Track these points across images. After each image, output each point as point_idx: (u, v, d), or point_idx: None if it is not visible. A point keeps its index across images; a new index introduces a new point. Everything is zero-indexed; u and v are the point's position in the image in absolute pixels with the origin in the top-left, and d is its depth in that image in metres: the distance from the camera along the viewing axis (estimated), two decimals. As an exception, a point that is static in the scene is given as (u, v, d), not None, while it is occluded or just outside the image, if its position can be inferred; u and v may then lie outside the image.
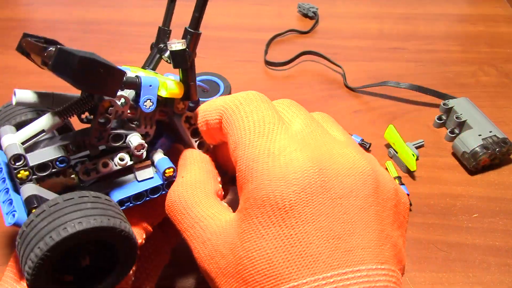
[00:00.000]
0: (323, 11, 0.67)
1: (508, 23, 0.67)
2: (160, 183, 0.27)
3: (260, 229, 0.21)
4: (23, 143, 0.24)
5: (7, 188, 0.24)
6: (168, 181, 0.27)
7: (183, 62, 0.25)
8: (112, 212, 0.22)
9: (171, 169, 0.27)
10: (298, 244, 0.20)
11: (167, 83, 0.26)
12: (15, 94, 0.24)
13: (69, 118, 0.25)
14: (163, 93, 0.26)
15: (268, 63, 0.59)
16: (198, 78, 0.53)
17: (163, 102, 0.27)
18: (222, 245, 0.22)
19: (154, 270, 0.32)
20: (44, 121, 0.24)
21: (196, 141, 0.29)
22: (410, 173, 0.44)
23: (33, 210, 0.22)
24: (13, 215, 0.22)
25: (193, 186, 0.25)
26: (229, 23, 0.67)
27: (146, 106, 0.26)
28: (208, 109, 0.27)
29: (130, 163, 0.27)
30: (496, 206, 0.42)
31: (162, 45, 0.29)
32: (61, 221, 0.20)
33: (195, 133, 0.29)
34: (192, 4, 0.24)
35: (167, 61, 0.29)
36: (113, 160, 0.26)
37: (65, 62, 0.20)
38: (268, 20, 0.67)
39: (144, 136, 0.27)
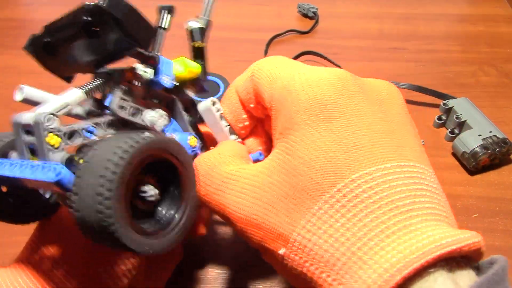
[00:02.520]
0: (323, 11, 0.67)
1: (508, 23, 0.67)
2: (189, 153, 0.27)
3: (311, 130, 0.20)
4: None
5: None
6: (195, 152, 0.27)
7: (202, 37, 0.28)
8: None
9: (194, 138, 0.27)
10: (352, 136, 0.20)
11: (185, 61, 0.28)
12: (22, 90, 0.24)
13: (93, 95, 0.25)
14: (181, 70, 0.27)
15: (268, 63, 0.59)
16: (198, 78, 0.53)
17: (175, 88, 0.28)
18: (268, 177, 0.21)
19: (165, 271, 0.32)
20: (68, 96, 0.24)
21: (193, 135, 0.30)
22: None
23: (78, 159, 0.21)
24: (55, 169, 0.20)
25: (220, 151, 0.25)
26: (229, 23, 0.67)
27: (164, 80, 0.26)
28: (237, 80, 0.28)
29: None
30: (496, 206, 0.42)
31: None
32: (121, 140, 0.20)
33: (194, 127, 0.29)
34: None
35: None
36: None
37: (116, 5, 0.22)
38: (268, 20, 0.67)
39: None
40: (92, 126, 0.24)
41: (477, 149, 0.43)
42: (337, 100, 0.21)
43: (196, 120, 0.29)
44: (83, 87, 0.25)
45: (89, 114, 0.26)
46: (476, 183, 0.44)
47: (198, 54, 0.29)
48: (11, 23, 0.67)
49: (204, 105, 0.28)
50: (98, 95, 0.26)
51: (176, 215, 0.23)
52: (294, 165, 0.20)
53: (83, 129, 0.23)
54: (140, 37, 0.23)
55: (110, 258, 0.27)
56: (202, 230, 0.33)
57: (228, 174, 0.23)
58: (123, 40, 0.22)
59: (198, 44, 0.29)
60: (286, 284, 0.36)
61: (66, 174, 0.20)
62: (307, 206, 0.19)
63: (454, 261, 0.18)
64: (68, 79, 0.26)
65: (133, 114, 0.26)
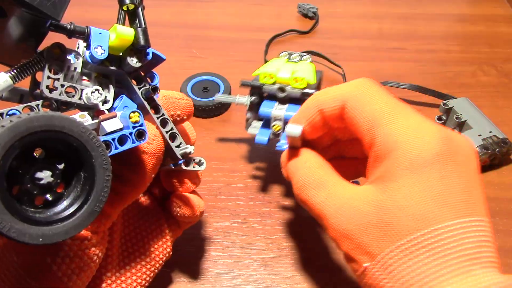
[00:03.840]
0: (323, 11, 0.67)
1: (508, 23, 0.67)
2: (127, 131, 0.25)
3: (409, 183, 0.25)
4: None
5: None
6: (137, 129, 0.25)
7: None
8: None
9: (136, 114, 0.25)
10: (440, 194, 0.25)
11: (116, 27, 0.25)
12: None
13: (20, 80, 0.24)
14: (113, 37, 0.25)
15: (268, 63, 0.59)
16: (198, 78, 0.53)
17: (116, 60, 0.27)
18: (363, 205, 0.26)
19: (153, 262, 0.32)
20: None
21: (158, 118, 0.29)
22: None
23: None
24: None
25: (318, 168, 0.29)
26: (229, 23, 0.67)
27: (97, 52, 0.25)
28: (322, 99, 0.30)
29: (91, 122, 0.25)
30: (496, 206, 0.42)
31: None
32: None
33: (156, 109, 0.28)
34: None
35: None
36: None
37: None
38: (268, 20, 0.67)
39: (102, 102, 0.26)
40: (16, 110, 0.24)
41: (477, 149, 0.43)
42: (435, 164, 0.25)
43: (150, 91, 0.28)
44: (10, 71, 0.24)
45: (30, 97, 0.25)
46: (476, 183, 0.44)
47: (133, 18, 0.26)
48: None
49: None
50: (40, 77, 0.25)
51: (75, 201, 0.22)
52: (388, 205, 0.25)
53: (3, 113, 0.23)
54: (46, 7, 0.22)
55: (60, 248, 0.26)
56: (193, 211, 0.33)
57: (332, 191, 0.28)
58: (25, 13, 0.22)
59: (127, 6, 0.25)
60: (285, 283, 0.36)
61: None
62: (394, 239, 0.24)
63: None
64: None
65: (68, 93, 0.25)
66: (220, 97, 0.42)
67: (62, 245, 0.25)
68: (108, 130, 0.25)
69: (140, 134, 0.25)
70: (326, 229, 0.28)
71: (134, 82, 0.28)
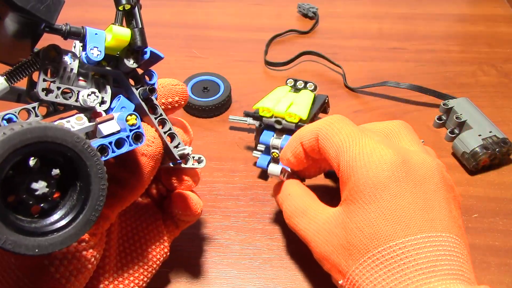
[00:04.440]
0: (323, 11, 0.67)
1: (508, 23, 0.67)
2: (125, 134, 0.25)
3: (365, 206, 0.28)
4: None
5: None
6: (134, 132, 0.25)
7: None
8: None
9: (133, 116, 0.25)
10: (394, 213, 0.27)
11: (112, 28, 0.25)
12: None
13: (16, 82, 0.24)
14: (109, 38, 0.25)
15: (268, 63, 0.59)
16: (198, 78, 0.53)
17: (113, 60, 0.26)
18: (334, 228, 0.29)
19: (151, 263, 0.32)
20: None
21: (156, 118, 0.28)
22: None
23: None
24: None
25: (300, 197, 0.34)
26: (229, 23, 0.67)
27: (93, 54, 0.24)
28: (302, 133, 0.33)
29: (88, 125, 0.25)
30: (496, 206, 0.42)
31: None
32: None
33: (154, 109, 0.28)
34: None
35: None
36: (69, 122, 0.24)
37: None
38: (268, 20, 0.67)
39: (99, 103, 0.26)
40: (11, 114, 0.23)
41: (477, 149, 0.43)
42: (386, 186, 0.28)
43: (147, 92, 0.28)
44: (4, 74, 0.24)
45: (27, 97, 0.25)
46: (476, 183, 0.44)
47: (129, 18, 0.25)
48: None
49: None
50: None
51: (71, 211, 0.22)
52: (350, 227, 0.28)
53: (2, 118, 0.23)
54: (40, 11, 0.21)
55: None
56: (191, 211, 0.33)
57: (312, 217, 0.31)
58: (19, 17, 0.22)
59: (123, 6, 0.25)
60: (285, 283, 0.36)
61: None
62: (357, 258, 0.27)
63: None
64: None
65: (64, 95, 0.25)
66: (233, 119, 0.46)
67: None
68: (105, 133, 0.24)
69: (138, 137, 0.25)
70: (312, 253, 0.31)
71: (132, 82, 0.28)
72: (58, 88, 0.25)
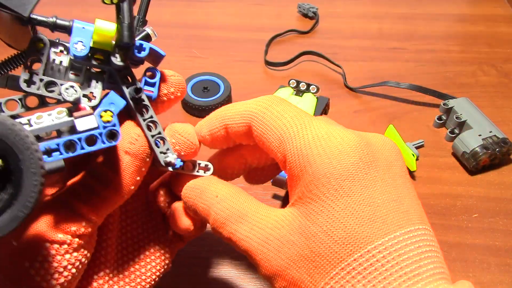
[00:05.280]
0: (323, 11, 0.68)
1: (508, 23, 0.67)
2: (97, 131, 0.23)
3: (330, 203, 0.22)
4: None
5: None
6: (108, 129, 0.24)
7: None
8: None
9: (108, 113, 0.23)
10: (368, 209, 0.22)
11: (96, 22, 0.24)
12: None
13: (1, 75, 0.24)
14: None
15: (268, 63, 0.59)
16: (198, 78, 0.53)
17: (104, 56, 0.25)
18: (289, 234, 0.23)
19: (149, 273, 0.31)
20: None
21: (144, 120, 0.27)
22: (410, 173, 0.44)
23: None
24: None
25: (233, 198, 0.26)
26: (229, 23, 0.67)
27: (77, 48, 0.24)
28: (228, 114, 0.27)
29: (65, 120, 0.23)
30: (496, 206, 0.42)
31: None
32: None
33: (146, 110, 0.27)
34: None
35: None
36: (50, 115, 0.23)
37: None
38: (268, 20, 0.67)
39: (89, 99, 0.25)
40: None
41: (477, 149, 0.43)
42: (354, 175, 0.22)
43: (135, 91, 0.26)
44: None
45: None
46: (476, 183, 0.44)
47: (118, 13, 0.24)
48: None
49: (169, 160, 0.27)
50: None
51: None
52: (314, 232, 0.22)
53: None
54: (12, 3, 0.21)
55: (38, 252, 0.25)
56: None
57: (253, 223, 0.25)
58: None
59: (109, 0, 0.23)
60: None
61: None
62: (326, 270, 0.22)
63: None
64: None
65: (49, 88, 0.25)
66: None
67: (41, 249, 0.24)
68: (80, 129, 0.23)
69: (112, 135, 0.24)
70: (257, 267, 0.24)
71: (130, 79, 0.27)
72: (41, 80, 0.24)
